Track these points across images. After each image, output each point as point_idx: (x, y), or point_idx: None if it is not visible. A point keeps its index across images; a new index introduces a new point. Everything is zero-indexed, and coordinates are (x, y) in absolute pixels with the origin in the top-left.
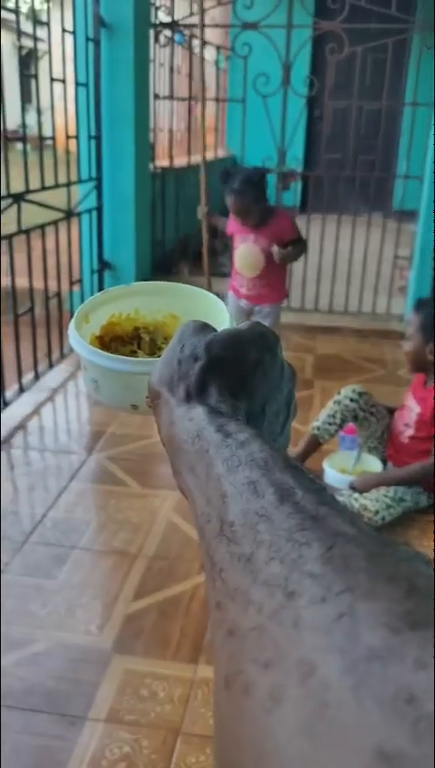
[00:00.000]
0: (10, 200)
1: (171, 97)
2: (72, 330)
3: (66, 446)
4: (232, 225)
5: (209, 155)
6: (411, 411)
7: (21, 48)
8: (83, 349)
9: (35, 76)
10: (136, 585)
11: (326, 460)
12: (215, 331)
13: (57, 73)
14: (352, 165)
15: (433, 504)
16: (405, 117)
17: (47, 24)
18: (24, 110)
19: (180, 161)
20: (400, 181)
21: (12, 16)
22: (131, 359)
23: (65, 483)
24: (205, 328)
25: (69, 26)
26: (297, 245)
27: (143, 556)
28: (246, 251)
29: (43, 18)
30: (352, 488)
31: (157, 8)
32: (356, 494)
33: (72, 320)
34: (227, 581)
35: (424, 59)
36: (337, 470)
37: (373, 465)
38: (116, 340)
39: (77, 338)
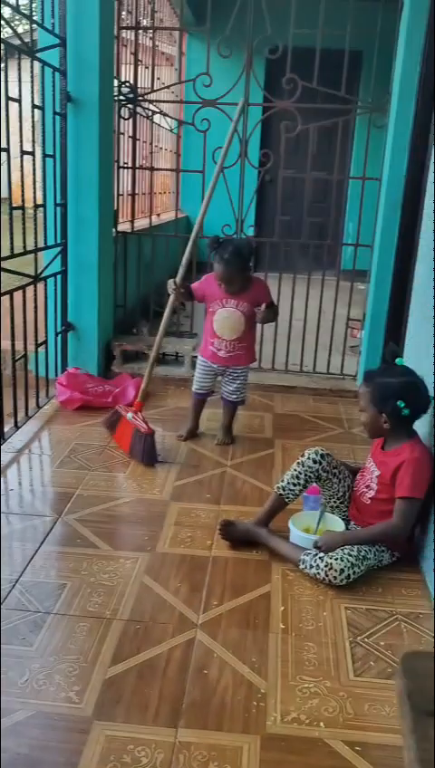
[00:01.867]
0: None
1: (134, 165)
2: None
3: (35, 509)
4: (207, 290)
5: (167, 216)
6: (372, 474)
7: None
8: None
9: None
10: (113, 649)
11: (291, 520)
12: None
13: (27, 146)
14: (303, 227)
15: (395, 561)
16: (353, 188)
17: (19, 100)
18: None
19: (141, 223)
20: (350, 248)
21: None
22: None
23: (36, 546)
24: None
25: (38, 101)
26: (272, 308)
27: (118, 620)
28: (228, 315)
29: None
30: (317, 547)
31: (121, 83)
32: (321, 554)
33: None
34: None
35: (372, 137)
36: (301, 529)
37: (336, 524)
38: None
39: None
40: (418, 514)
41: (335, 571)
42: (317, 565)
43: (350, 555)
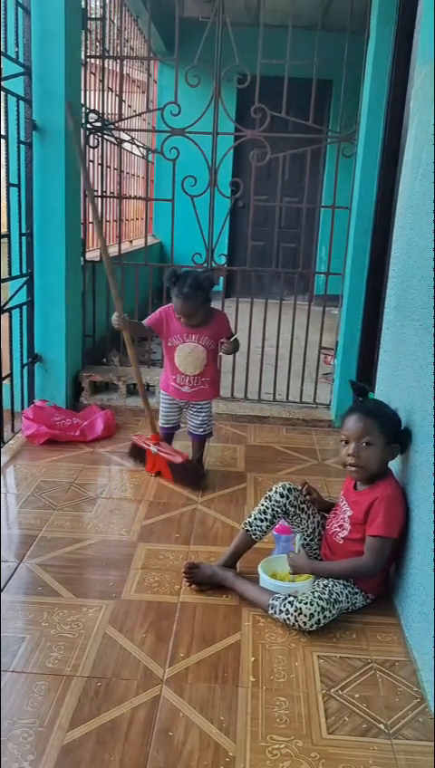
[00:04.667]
0: None
1: (102, 193)
2: None
3: None
4: (166, 324)
5: (139, 242)
6: (345, 513)
7: None
8: None
9: None
10: (72, 711)
11: (260, 565)
12: None
13: None
14: (276, 252)
15: (369, 603)
16: (325, 215)
17: None
18: None
19: (112, 250)
20: (321, 275)
21: None
22: None
23: None
24: None
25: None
26: (235, 341)
27: (79, 677)
28: (190, 350)
29: None
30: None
31: (88, 111)
32: (291, 598)
33: None
34: None
35: (342, 165)
36: (269, 575)
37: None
38: None
39: None
40: (392, 554)
41: (305, 616)
42: (287, 610)
43: (320, 599)
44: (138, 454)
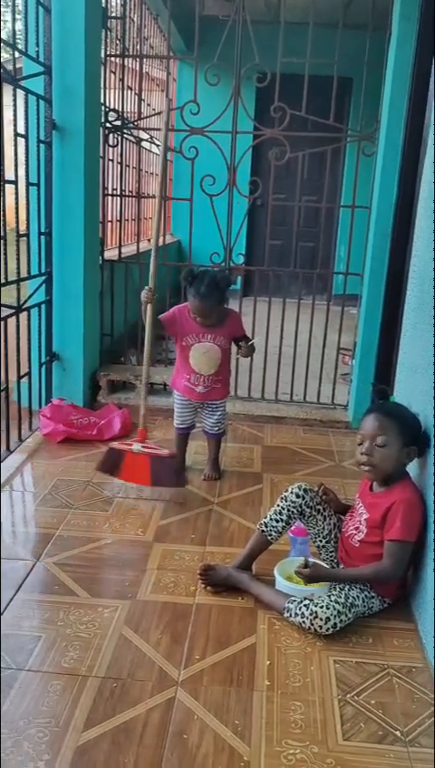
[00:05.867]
0: None
1: (121, 193)
2: None
3: (12, 551)
4: (179, 323)
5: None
6: (361, 516)
7: None
8: None
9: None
10: (87, 711)
11: (276, 568)
12: None
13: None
14: (294, 252)
15: (386, 607)
16: (344, 215)
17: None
18: None
19: (129, 250)
20: (340, 275)
21: None
22: None
23: (12, 594)
24: None
25: (21, 129)
26: (251, 345)
27: (94, 677)
28: (206, 350)
29: None
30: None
31: (108, 110)
32: (307, 601)
33: None
34: None
35: (363, 164)
36: (285, 577)
37: None
38: None
39: None
40: (410, 558)
41: (321, 619)
42: (302, 613)
43: (337, 603)
44: (112, 464)
